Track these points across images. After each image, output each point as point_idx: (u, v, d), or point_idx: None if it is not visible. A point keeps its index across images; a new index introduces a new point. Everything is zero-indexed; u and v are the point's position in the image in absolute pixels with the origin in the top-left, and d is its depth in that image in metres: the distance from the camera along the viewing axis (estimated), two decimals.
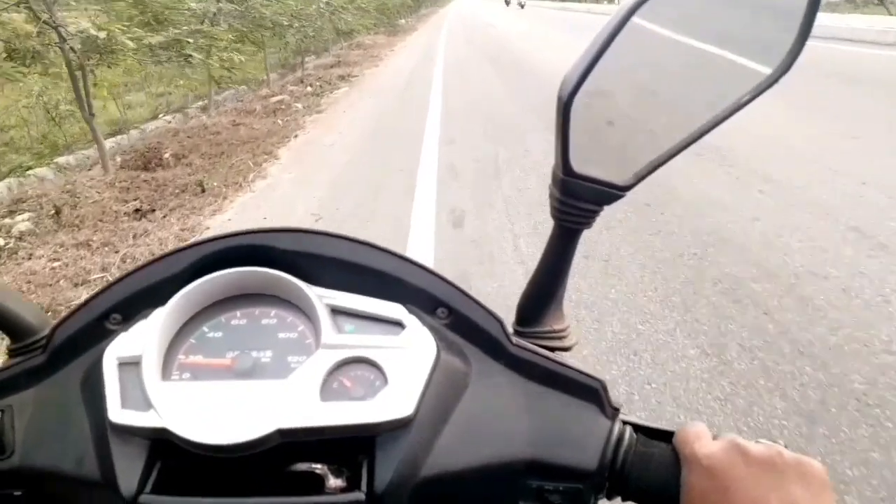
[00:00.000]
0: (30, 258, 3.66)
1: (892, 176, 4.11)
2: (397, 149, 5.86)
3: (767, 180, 4.21)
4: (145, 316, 0.47)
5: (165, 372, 0.45)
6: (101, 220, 4.24)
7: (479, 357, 0.48)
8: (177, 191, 4.83)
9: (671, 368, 2.23)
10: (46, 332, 0.49)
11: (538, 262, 0.51)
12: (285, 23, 9.15)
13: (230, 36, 7.03)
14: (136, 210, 4.46)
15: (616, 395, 0.47)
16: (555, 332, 0.52)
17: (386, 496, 0.41)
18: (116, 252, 3.70)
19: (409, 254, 0.50)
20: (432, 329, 0.47)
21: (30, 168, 5.55)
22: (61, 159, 5.83)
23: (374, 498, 0.41)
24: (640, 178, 0.45)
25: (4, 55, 5.06)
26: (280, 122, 7.36)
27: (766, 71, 0.44)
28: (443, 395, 0.45)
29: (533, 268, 0.51)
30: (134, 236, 3.98)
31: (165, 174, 5.23)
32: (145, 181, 5.01)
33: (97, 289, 0.50)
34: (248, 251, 0.49)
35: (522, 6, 45.24)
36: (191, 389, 0.43)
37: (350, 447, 0.43)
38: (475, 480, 0.44)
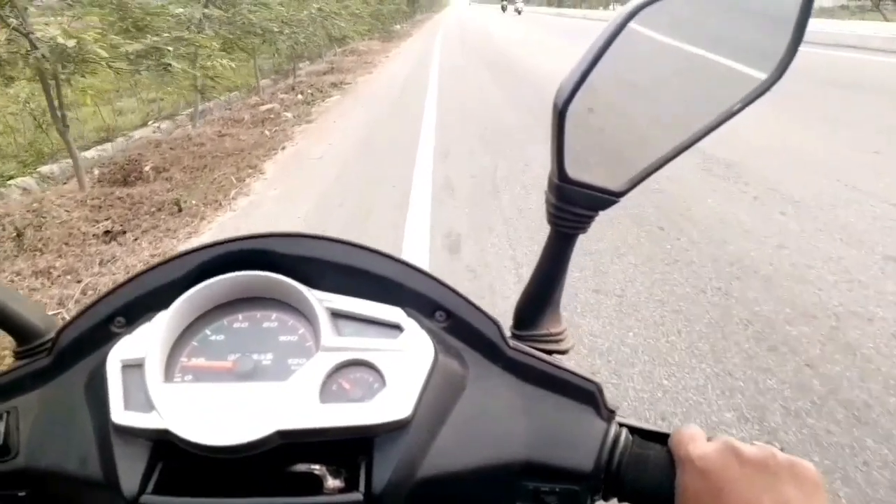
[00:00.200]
0: None
1: None
2: (389, 162, 5.54)
3: (788, 201, 3.90)
4: (149, 319, 0.48)
5: (168, 374, 0.45)
6: (66, 244, 3.91)
7: (476, 360, 0.49)
8: (152, 209, 4.51)
9: None
10: (52, 334, 0.50)
11: (535, 267, 0.51)
12: (275, 29, 8.86)
13: (215, 43, 6.71)
14: (107, 232, 4.13)
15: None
16: (552, 335, 0.52)
17: (384, 497, 0.41)
18: (78, 282, 3.36)
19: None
20: (430, 332, 0.48)
21: (11, 178, 5.25)
22: (45, 168, 5.59)
23: (372, 498, 0.41)
24: (635, 183, 0.46)
25: None
26: (268, 132, 7.04)
27: (761, 77, 0.45)
28: (440, 397, 0.45)
29: None
30: (100, 262, 3.65)
31: (143, 190, 4.91)
32: (119, 198, 4.67)
33: (102, 292, 0.49)
34: (249, 255, 0.50)
35: (519, 12, 45.28)
36: (193, 391, 0.44)
37: (349, 448, 0.43)
38: (472, 481, 0.44)
